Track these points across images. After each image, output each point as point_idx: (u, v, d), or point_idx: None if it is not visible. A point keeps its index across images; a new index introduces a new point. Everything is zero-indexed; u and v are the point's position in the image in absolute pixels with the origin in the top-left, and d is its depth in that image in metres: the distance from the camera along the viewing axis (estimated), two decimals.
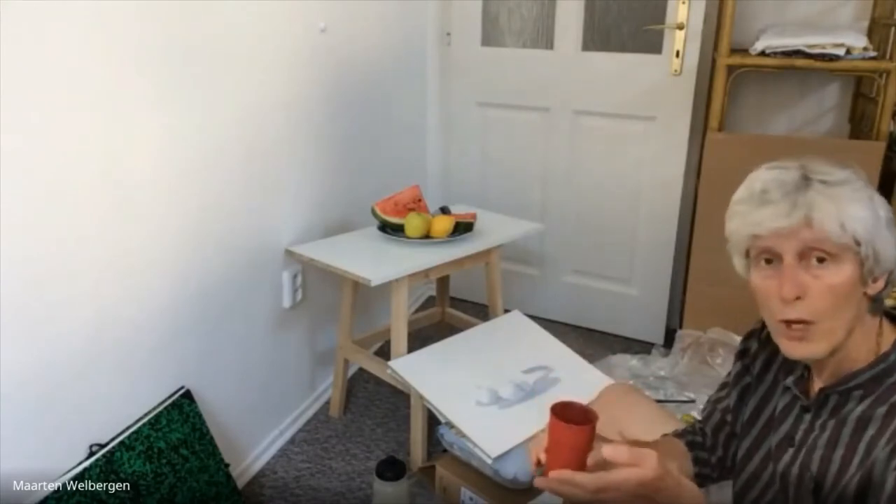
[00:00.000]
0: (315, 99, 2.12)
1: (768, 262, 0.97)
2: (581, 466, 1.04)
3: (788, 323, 0.96)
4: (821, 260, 0.94)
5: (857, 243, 0.93)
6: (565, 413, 1.03)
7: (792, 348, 0.99)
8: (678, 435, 1.28)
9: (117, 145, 1.43)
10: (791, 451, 1.05)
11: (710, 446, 1.25)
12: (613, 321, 2.84)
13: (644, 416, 1.42)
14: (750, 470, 1.14)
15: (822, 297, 0.94)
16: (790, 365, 1.09)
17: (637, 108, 2.59)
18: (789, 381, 1.08)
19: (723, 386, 1.26)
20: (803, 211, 0.93)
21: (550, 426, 1.04)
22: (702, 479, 1.25)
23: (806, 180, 0.94)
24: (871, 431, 0.93)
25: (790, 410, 1.07)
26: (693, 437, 1.27)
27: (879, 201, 0.95)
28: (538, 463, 1.07)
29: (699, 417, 1.97)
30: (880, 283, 0.96)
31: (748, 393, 1.17)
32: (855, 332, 0.97)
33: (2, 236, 1.20)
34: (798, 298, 0.95)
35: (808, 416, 1.03)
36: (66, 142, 1.32)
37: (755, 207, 0.97)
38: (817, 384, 1.03)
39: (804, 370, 1.06)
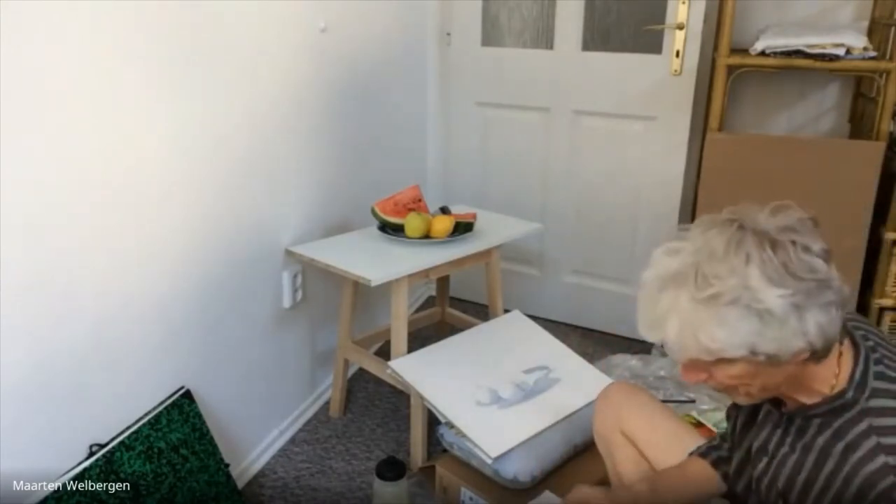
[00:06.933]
0: (315, 99, 2.12)
1: None
2: None
3: None
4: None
5: (735, 355, 0.88)
6: None
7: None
8: (703, 454, 1.28)
9: (117, 146, 1.43)
10: (765, 460, 1.07)
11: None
12: (613, 321, 2.83)
13: (649, 415, 1.42)
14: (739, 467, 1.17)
15: (723, 383, 0.95)
16: None
17: (637, 108, 2.59)
18: None
19: None
20: (661, 331, 0.90)
21: None
22: None
23: (677, 284, 0.90)
24: (830, 466, 0.95)
25: (769, 419, 1.08)
26: (719, 454, 1.26)
27: (770, 294, 0.84)
28: None
29: (698, 418, 1.97)
30: (803, 355, 0.89)
31: None
32: (798, 380, 0.95)
33: (1, 236, 1.20)
34: (704, 380, 0.95)
35: (779, 431, 1.05)
36: (65, 143, 1.32)
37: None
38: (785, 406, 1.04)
39: None
